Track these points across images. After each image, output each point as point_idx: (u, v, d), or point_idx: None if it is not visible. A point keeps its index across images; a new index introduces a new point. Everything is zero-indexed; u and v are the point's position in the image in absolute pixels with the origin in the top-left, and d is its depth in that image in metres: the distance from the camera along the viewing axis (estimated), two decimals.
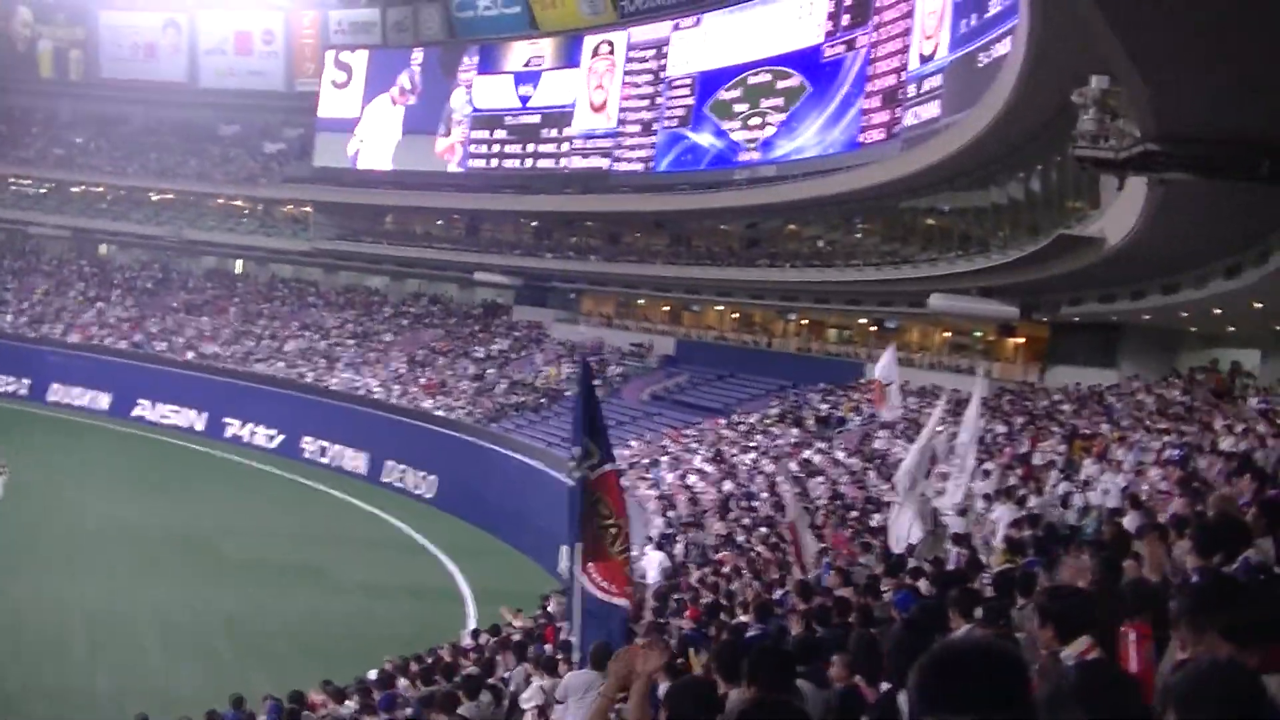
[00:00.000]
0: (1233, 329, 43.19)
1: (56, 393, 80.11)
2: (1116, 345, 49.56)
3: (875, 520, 31.42)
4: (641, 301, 79.50)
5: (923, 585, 17.02)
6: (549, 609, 32.69)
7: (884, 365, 38.34)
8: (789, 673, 8.55)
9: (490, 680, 21.05)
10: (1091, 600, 8.06)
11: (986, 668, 4.04)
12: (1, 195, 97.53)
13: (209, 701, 27.85)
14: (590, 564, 13.27)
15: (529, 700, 18.40)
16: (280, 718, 24.35)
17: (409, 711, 21.20)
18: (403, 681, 25.51)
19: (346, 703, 24.44)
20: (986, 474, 32.01)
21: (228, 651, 37.55)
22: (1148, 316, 43.69)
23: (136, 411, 77.69)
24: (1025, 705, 4.01)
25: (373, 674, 27.26)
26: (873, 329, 65.82)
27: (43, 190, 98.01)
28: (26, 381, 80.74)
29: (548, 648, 23.11)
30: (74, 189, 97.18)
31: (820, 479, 41.60)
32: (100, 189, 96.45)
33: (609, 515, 12.75)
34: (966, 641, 5.42)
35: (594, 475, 12.16)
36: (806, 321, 70.25)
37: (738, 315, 74.49)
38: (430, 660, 26.43)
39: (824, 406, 54.75)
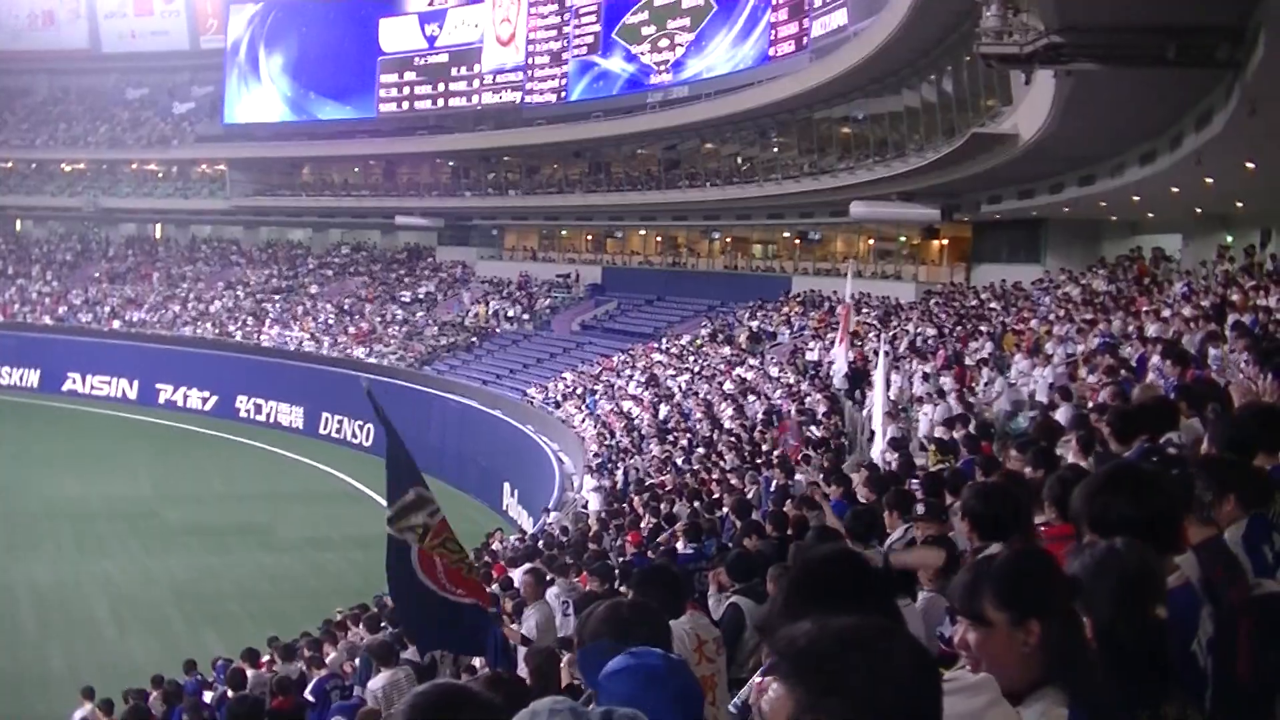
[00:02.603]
0: (1152, 215, 43.44)
1: None
2: (1040, 240, 49.79)
3: (813, 432, 31.46)
4: (565, 233, 79.45)
5: (861, 493, 17.02)
6: (493, 547, 32.73)
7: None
8: (672, 592, 8.52)
9: None
10: (1012, 496, 8.05)
11: (841, 573, 4.14)
12: None
13: (164, 670, 27.80)
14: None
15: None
16: (227, 678, 24.28)
17: (357, 662, 21.12)
18: (353, 630, 25.46)
19: (296, 659, 24.36)
20: (925, 377, 32.17)
21: (179, 618, 37.38)
22: (1068, 209, 43.86)
23: (67, 385, 76.98)
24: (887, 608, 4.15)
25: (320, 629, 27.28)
26: (797, 241, 65.97)
27: None
28: None
29: (495, 587, 23.05)
30: None
31: (755, 397, 41.66)
32: (9, 164, 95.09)
33: (457, 550, 12.17)
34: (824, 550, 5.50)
35: (435, 522, 11.66)
36: (731, 240, 70.30)
37: (661, 239, 74.44)
38: (378, 608, 26.34)
39: (754, 323, 54.80)
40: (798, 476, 24.00)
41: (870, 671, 2.80)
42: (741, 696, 8.49)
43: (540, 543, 29.77)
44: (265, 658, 25.66)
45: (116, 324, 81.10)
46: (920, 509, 11.83)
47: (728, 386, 44.77)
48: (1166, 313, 27.57)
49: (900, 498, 12.42)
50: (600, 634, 5.08)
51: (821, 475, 21.66)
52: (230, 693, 21.43)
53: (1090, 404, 18.11)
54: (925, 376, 32.22)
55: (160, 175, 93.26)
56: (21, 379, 78.50)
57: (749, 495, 23.41)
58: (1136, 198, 38.31)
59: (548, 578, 18.74)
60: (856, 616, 3.02)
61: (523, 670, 11.34)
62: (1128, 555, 4.36)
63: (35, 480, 54.11)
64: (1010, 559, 4.11)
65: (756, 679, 8.03)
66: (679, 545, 18.74)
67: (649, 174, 70.06)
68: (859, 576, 4.39)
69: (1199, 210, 39.50)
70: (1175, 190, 34.87)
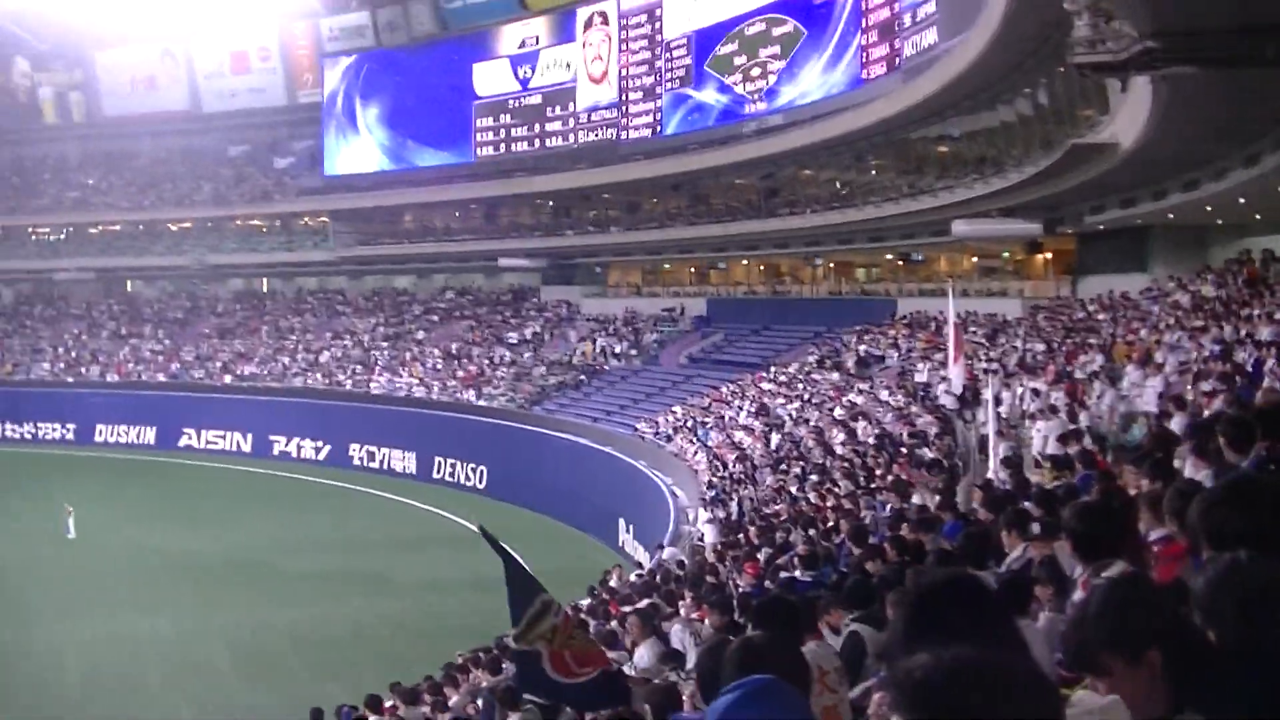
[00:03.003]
0: (1260, 216, 42.86)
1: (103, 433, 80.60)
2: (1145, 248, 49.27)
3: (926, 455, 31.25)
4: (668, 266, 79.45)
5: (981, 514, 16.86)
6: (610, 584, 32.68)
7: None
8: (792, 622, 8.45)
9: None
10: (1113, 514, 7.91)
11: (958, 599, 4.05)
12: (23, 246, 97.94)
13: (289, 718, 28.00)
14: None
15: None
16: None
17: (479, 704, 21.13)
18: (474, 673, 25.49)
19: (419, 704, 24.43)
20: (1036, 393, 31.90)
21: (300, 667, 37.64)
22: (1172, 215, 43.41)
23: (183, 441, 78.13)
24: (1007, 631, 4.04)
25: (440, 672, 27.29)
26: (900, 263, 65.67)
27: (62, 235, 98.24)
28: (72, 426, 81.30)
29: (614, 624, 23.02)
30: (92, 230, 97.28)
31: (866, 421, 41.47)
32: (118, 226, 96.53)
33: (582, 637, 12.30)
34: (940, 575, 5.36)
35: (560, 619, 11.72)
36: (834, 265, 70.09)
37: (764, 267, 74.33)
38: (498, 650, 26.34)
39: (861, 348, 54.58)
40: (914, 499, 23.83)
41: (987, 705, 2.75)
42: None
43: (657, 577, 29.71)
44: (389, 704, 25.73)
45: (228, 379, 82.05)
46: (1036, 528, 11.67)
47: (838, 412, 44.60)
48: (1278, 314, 27.23)
49: (1017, 517, 12.26)
50: (735, 674, 5.05)
51: (936, 497, 21.51)
52: None
53: (1205, 412, 17.89)
54: (1036, 392, 31.95)
55: (264, 230, 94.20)
56: (138, 436, 79.71)
57: (865, 520, 23.27)
58: (1242, 200, 37.83)
59: (656, 619, 18.71)
60: (974, 646, 2.97)
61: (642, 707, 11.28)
62: (1251, 569, 4.24)
63: (155, 535, 54.80)
64: (1105, 599, 4.01)
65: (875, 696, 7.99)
66: (797, 574, 18.64)
67: (748, 203, 69.94)
68: (977, 601, 4.32)
69: None
70: None
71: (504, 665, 22.87)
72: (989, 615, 4.17)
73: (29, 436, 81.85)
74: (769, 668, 4.96)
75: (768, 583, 19.40)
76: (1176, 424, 18.27)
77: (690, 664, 15.33)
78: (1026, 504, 14.76)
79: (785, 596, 11.52)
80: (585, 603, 30.64)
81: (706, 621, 17.33)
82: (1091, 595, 4.16)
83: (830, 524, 25.91)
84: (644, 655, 16.43)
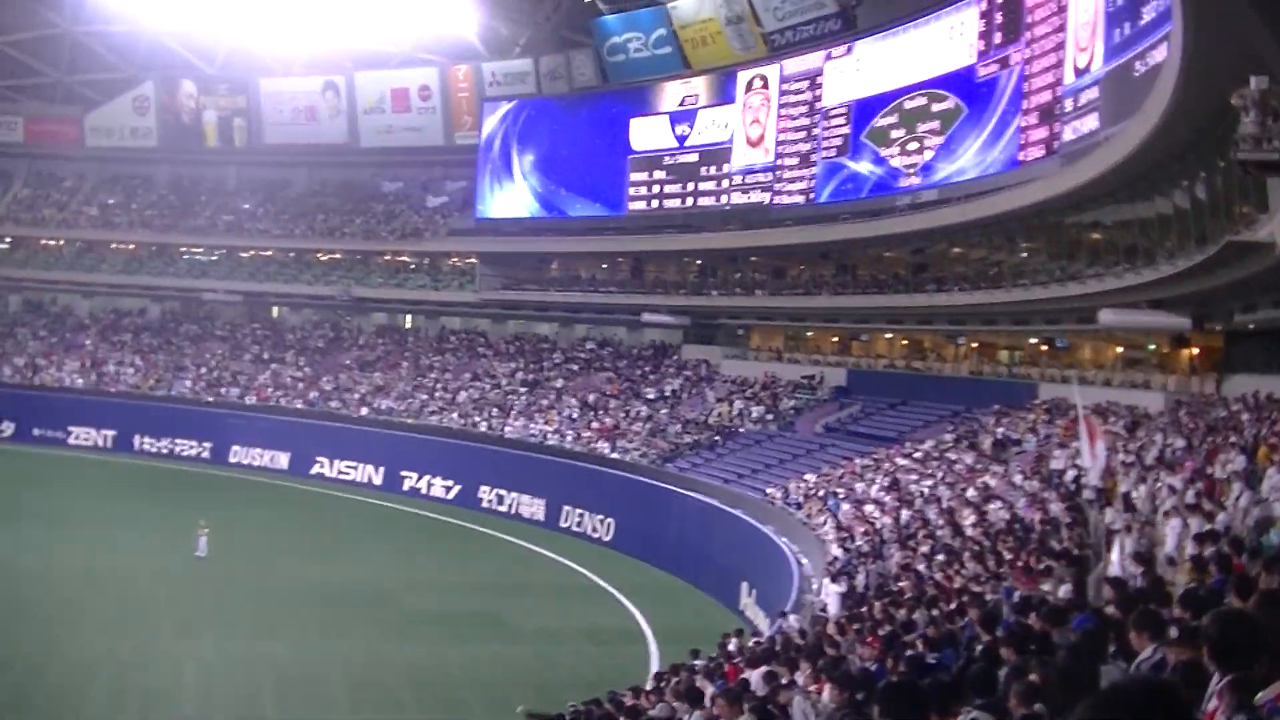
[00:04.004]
0: None
1: (237, 454, 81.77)
2: None
3: (1056, 544, 30.88)
4: (810, 334, 79.27)
5: (1109, 609, 16.63)
6: (729, 648, 32.53)
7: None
8: (917, 709, 8.39)
9: None
10: (1253, 624, 7.76)
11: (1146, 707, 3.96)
12: (176, 264, 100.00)
13: None
14: None
15: None
16: None
17: None
18: None
19: None
20: (1172, 490, 31.44)
21: (413, 704, 37.75)
22: None
23: (315, 469, 78.94)
24: None
25: None
26: (1043, 348, 65.08)
27: (214, 257, 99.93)
28: (209, 444, 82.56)
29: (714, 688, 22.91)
30: (244, 254, 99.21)
31: (999, 504, 41.09)
32: (269, 252, 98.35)
33: None
34: (1129, 682, 5.24)
35: None
36: (976, 344, 69.57)
37: (907, 342, 73.93)
38: (611, 705, 26.32)
39: (999, 430, 54.11)
40: (1043, 587, 23.57)
41: None
42: None
43: (777, 645, 29.56)
44: None
45: (365, 411, 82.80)
46: (1174, 631, 11.44)
47: (970, 493, 44.22)
48: None
49: (1148, 617, 12.06)
50: None
51: (1066, 587, 21.28)
52: None
53: None
54: (1172, 489, 31.49)
55: (412, 267, 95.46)
56: (272, 460, 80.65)
57: (991, 605, 23.02)
58: None
59: (747, 696, 18.62)
60: None
61: None
62: None
63: (281, 562, 55.33)
64: None
65: None
66: (921, 652, 18.45)
67: (895, 276, 69.78)
68: (1174, 709, 4.18)
69: None
70: None
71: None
72: None
73: (165, 452, 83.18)
74: None
75: (889, 660, 19.20)
76: None
77: None
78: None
79: (914, 681, 11.41)
80: (699, 663, 30.59)
81: (824, 695, 17.22)
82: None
83: (954, 605, 25.66)
84: None
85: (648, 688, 29.64)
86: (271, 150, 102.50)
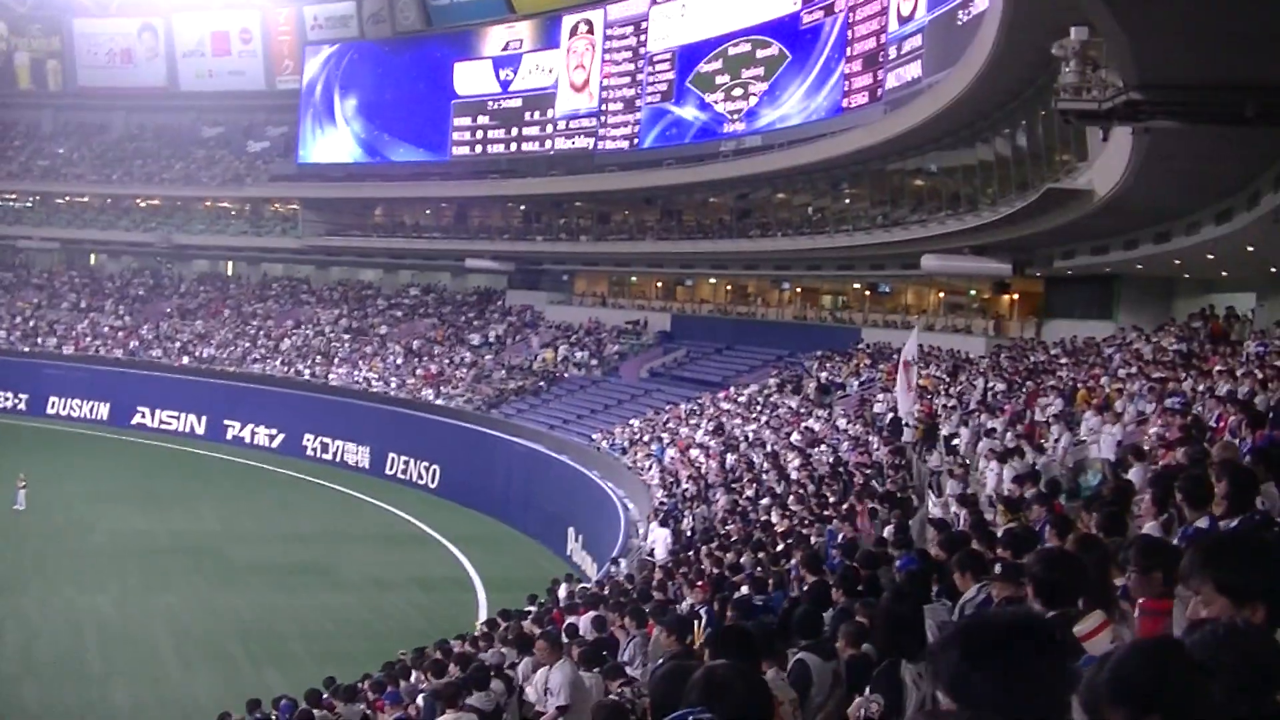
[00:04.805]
0: (1226, 274, 43.09)
1: (55, 405, 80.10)
2: (1112, 296, 49.42)
3: (879, 486, 31.31)
4: (635, 279, 79.52)
5: (933, 550, 16.88)
6: (558, 594, 32.66)
7: (910, 346, 38.37)
8: (750, 652, 8.50)
9: (501, 669, 20.96)
10: (1077, 564, 7.97)
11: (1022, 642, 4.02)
12: None
13: (228, 707, 27.92)
14: None
15: (535, 689, 18.35)
16: (292, 718, 24.30)
17: (419, 704, 21.10)
18: (415, 674, 25.47)
19: (357, 701, 24.39)
20: (990, 432, 31.99)
21: (242, 656, 37.45)
22: (1141, 266, 43.57)
23: (136, 419, 77.75)
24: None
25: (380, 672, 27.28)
26: (867, 293, 65.82)
27: (29, 203, 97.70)
28: (25, 396, 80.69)
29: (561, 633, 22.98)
30: (60, 200, 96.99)
31: (822, 447, 41.56)
32: (86, 199, 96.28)
33: None
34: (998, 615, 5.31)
35: None
36: (801, 290, 70.16)
37: (731, 287, 74.31)
38: (440, 653, 26.32)
39: (823, 374, 54.66)
40: (866, 529, 23.91)
41: None
42: None
43: (605, 589, 29.72)
44: (325, 697, 25.67)
45: (186, 360, 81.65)
46: (998, 569, 11.65)
47: (795, 437, 44.65)
48: (1240, 372, 27.31)
49: (972, 557, 12.27)
50: (698, 701, 5.07)
51: (889, 529, 21.60)
52: None
53: (1161, 464, 17.95)
54: (992, 432, 32.04)
55: (233, 213, 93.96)
56: (92, 412, 79.29)
57: (816, 548, 23.30)
58: (1211, 256, 37.98)
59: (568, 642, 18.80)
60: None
61: None
62: (1251, 635, 4.26)
63: (102, 514, 54.47)
64: (1123, 659, 3.97)
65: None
66: (750, 596, 18.60)
67: (720, 222, 70.05)
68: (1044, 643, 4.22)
69: (1275, 269, 39.14)
70: (1251, 249, 34.58)
71: (448, 668, 22.84)
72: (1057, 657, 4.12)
73: None
74: (733, 697, 4.96)
75: (718, 604, 19.35)
76: (1134, 474, 18.34)
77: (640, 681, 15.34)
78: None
79: (744, 626, 11.51)
80: (530, 609, 30.69)
81: (655, 638, 17.32)
82: (1113, 652, 4.13)
83: (780, 548, 25.93)
84: (555, 679, 16.45)
85: (478, 634, 29.68)
86: (87, 94, 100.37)
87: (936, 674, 4.10)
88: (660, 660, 13.33)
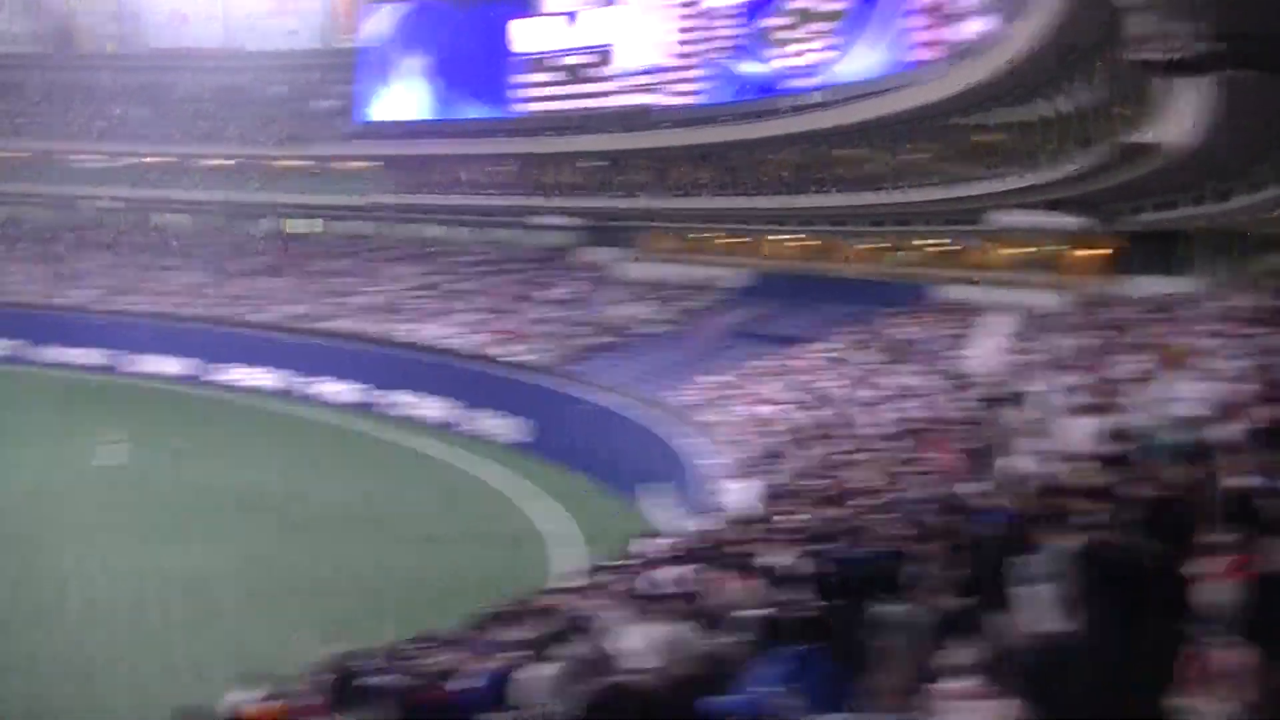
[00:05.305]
0: None
1: (134, 363, 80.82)
2: (1190, 252, 49.08)
3: (959, 442, 31.36)
4: (708, 236, 79.32)
5: (1015, 505, 17.03)
6: (640, 550, 32.85)
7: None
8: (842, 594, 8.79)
9: (585, 623, 21.19)
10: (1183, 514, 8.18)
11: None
12: (53, 171, 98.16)
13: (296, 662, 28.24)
14: None
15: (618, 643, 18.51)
16: (374, 672, 24.63)
17: (505, 656, 21.34)
18: (498, 627, 25.69)
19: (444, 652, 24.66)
20: (1071, 389, 31.95)
21: (314, 610, 37.63)
22: (1219, 220, 43.29)
23: (213, 376, 78.36)
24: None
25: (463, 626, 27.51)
26: (935, 250, 65.55)
27: (93, 164, 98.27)
28: (104, 353, 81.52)
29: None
30: (126, 159, 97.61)
31: (899, 403, 41.65)
32: (150, 159, 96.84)
33: None
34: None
35: None
36: (873, 246, 69.76)
37: (807, 243, 74.13)
38: (523, 606, 26.56)
39: (897, 331, 54.62)
40: (952, 485, 24.02)
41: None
42: None
43: (687, 545, 29.91)
44: (411, 650, 25.93)
45: (258, 317, 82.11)
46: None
47: (871, 393, 44.72)
48: None
49: (1054, 512, 12.47)
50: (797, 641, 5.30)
51: (973, 485, 21.75)
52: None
53: (1249, 421, 18.01)
54: (1071, 389, 32.00)
55: (299, 172, 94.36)
56: (168, 368, 79.85)
57: (900, 502, 23.45)
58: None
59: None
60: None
61: None
62: None
63: (175, 468, 55.15)
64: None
65: None
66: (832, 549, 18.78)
67: (780, 180, 69.81)
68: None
69: None
70: None
71: (534, 619, 23.09)
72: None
73: (56, 361, 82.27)
74: (832, 637, 5.23)
75: (799, 558, 19.54)
76: (1220, 430, 18.41)
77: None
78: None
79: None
80: (614, 564, 30.89)
81: (740, 589, 17.53)
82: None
83: (859, 504, 26.06)
84: (639, 637, 16.51)
85: (561, 588, 29.90)
86: (148, 55, 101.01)
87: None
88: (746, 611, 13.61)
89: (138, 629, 35.50)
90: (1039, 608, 9.91)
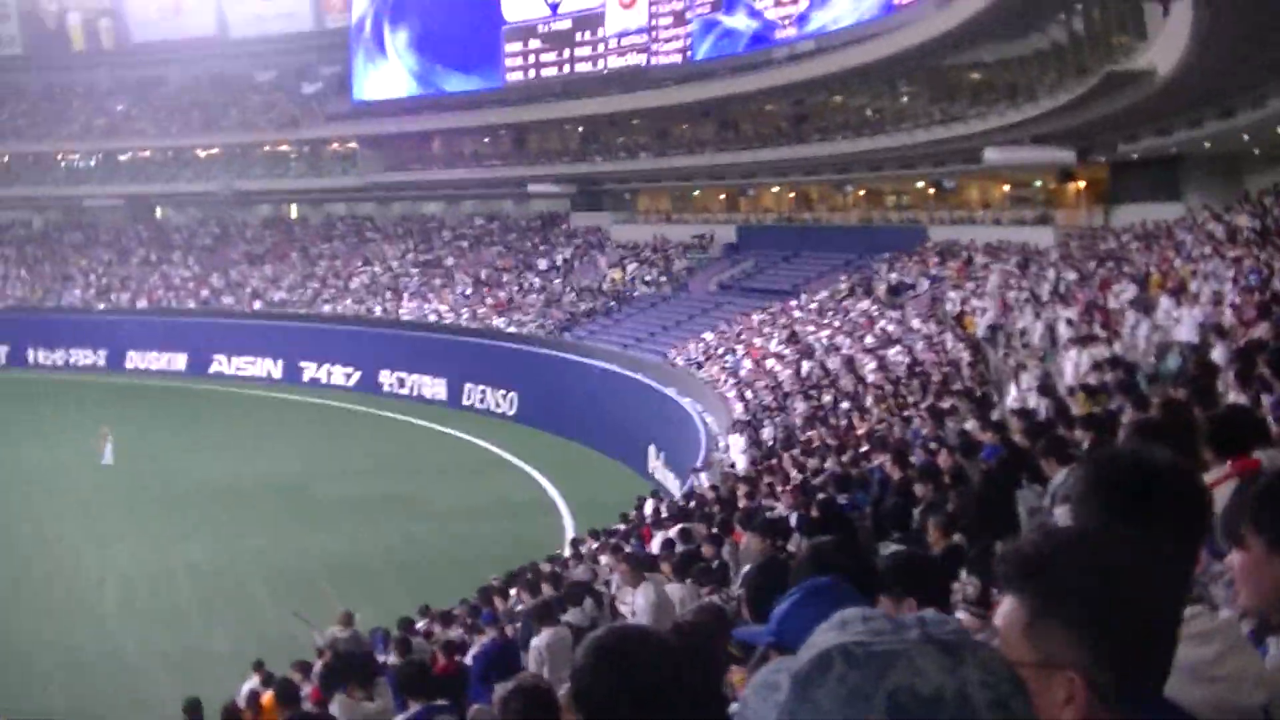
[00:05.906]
0: None
1: (133, 359, 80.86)
2: (1179, 177, 49.01)
3: (958, 384, 31.25)
4: (697, 193, 79.33)
5: (1017, 439, 16.87)
6: (644, 510, 32.74)
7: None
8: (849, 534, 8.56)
9: (593, 586, 21.11)
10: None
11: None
12: (53, 171, 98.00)
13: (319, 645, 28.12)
14: None
15: (628, 604, 18.41)
16: (388, 647, 24.51)
17: (516, 625, 21.26)
18: (509, 596, 25.64)
19: (454, 626, 24.58)
20: (1069, 323, 31.83)
21: (333, 591, 37.69)
22: (1208, 144, 43.15)
23: (213, 368, 78.35)
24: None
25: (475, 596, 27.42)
26: (931, 191, 65.41)
27: (91, 162, 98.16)
28: (103, 352, 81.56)
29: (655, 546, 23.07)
30: (122, 156, 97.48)
31: (897, 348, 41.51)
32: (147, 153, 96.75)
33: None
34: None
35: None
36: (864, 192, 69.85)
37: (795, 194, 74.07)
38: (533, 574, 26.47)
39: (892, 275, 54.51)
40: (948, 425, 23.86)
41: (1099, 574, 2.67)
42: None
43: (691, 504, 29.83)
44: (420, 625, 25.86)
45: (258, 305, 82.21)
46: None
47: (869, 340, 44.62)
48: None
49: (1057, 443, 12.28)
50: (807, 575, 5.05)
51: (973, 422, 21.60)
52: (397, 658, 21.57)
53: (1244, 341, 17.84)
54: (1069, 322, 31.88)
55: (293, 156, 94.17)
56: (169, 363, 79.96)
57: (901, 445, 23.29)
58: None
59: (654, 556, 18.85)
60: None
61: None
62: None
63: (187, 462, 54.86)
64: (1271, 484, 3.98)
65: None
66: (835, 497, 18.65)
67: (779, 130, 69.71)
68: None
69: None
70: None
71: (542, 586, 23.01)
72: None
73: (61, 364, 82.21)
74: (839, 570, 4.99)
75: (804, 508, 19.41)
76: (1216, 353, 18.23)
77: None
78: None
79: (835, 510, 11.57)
80: (620, 528, 30.81)
81: (743, 544, 17.41)
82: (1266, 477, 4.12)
83: (862, 450, 25.96)
84: (639, 600, 16.35)
85: (568, 554, 29.84)
86: (141, 49, 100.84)
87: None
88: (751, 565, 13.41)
89: (173, 623, 35.31)
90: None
